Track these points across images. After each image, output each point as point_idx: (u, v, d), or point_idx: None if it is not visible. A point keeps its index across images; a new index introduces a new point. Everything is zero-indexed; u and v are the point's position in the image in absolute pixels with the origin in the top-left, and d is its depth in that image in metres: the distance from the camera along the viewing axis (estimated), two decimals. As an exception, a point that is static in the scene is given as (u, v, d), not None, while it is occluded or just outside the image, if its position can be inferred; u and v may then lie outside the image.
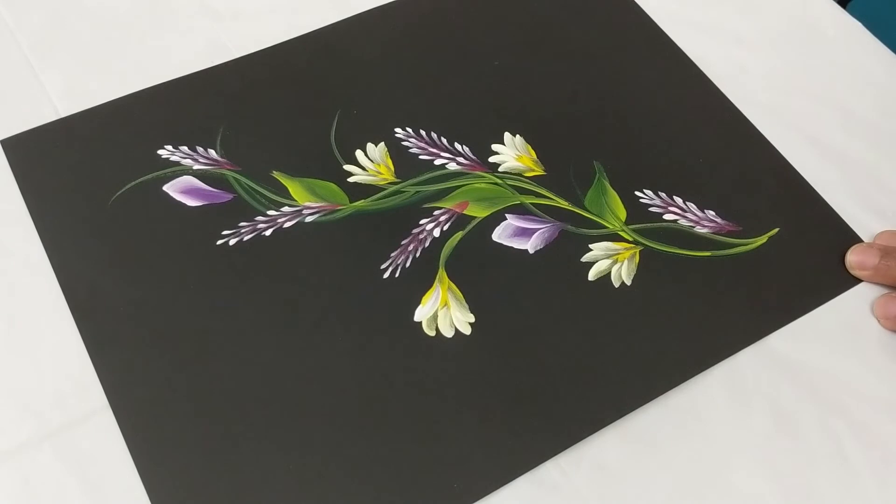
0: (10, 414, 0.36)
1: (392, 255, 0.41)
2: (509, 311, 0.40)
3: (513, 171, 0.44)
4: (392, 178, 0.44)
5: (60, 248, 0.40)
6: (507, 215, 0.43)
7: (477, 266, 0.41)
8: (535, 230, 0.42)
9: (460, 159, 0.45)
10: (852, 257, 0.42)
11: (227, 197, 0.42)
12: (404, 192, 0.43)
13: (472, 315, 0.40)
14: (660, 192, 0.44)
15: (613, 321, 0.40)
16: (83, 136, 0.44)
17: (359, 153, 0.44)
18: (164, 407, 0.36)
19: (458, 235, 0.42)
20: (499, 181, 0.44)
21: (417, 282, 0.40)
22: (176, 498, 0.34)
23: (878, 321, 0.41)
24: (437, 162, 0.44)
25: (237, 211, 0.42)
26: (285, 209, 0.42)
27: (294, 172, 0.43)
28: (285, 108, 0.46)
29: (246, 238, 0.41)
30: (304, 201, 0.42)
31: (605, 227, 0.43)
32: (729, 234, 0.43)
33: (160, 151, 0.43)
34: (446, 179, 0.44)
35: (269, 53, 0.48)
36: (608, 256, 0.42)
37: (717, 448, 0.37)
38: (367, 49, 0.48)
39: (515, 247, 0.42)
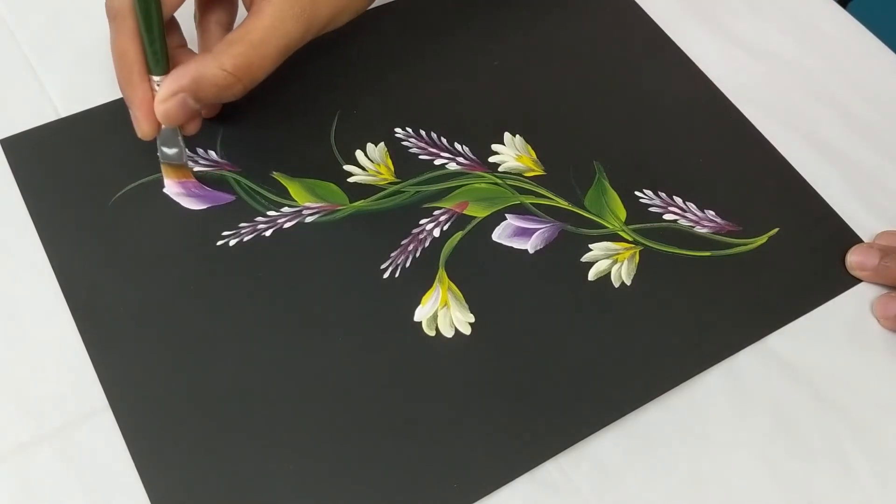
0: (10, 414, 0.36)
1: (392, 255, 0.41)
2: (509, 311, 0.40)
3: (513, 171, 0.44)
4: (392, 178, 0.44)
5: (60, 248, 0.40)
6: (506, 215, 0.43)
7: (477, 266, 0.41)
8: (534, 230, 0.42)
9: (460, 159, 0.45)
10: (852, 258, 0.42)
11: (228, 198, 0.42)
12: (404, 192, 0.43)
13: (471, 315, 0.40)
14: (660, 192, 0.44)
15: (613, 321, 0.40)
16: (83, 136, 0.44)
17: (359, 153, 0.44)
18: (164, 407, 0.36)
19: (458, 235, 0.42)
20: (499, 181, 0.44)
21: (417, 282, 0.40)
22: (176, 498, 0.34)
23: (878, 321, 0.41)
24: (437, 162, 0.44)
25: (237, 212, 0.42)
26: (285, 210, 0.42)
27: (294, 173, 0.43)
28: (285, 108, 0.46)
29: (246, 239, 0.41)
30: (304, 202, 0.42)
31: (604, 227, 0.43)
32: (729, 234, 0.43)
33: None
34: (446, 179, 0.44)
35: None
36: (608, 256, 0.42)
37: (717, 448, 0.37)
38: (367, 49, 0.48)
39: (515, 247, 0.42)
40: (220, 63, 0.38)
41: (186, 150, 0.42)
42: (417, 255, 0.41)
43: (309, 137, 0.45)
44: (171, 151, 0.41)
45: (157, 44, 0.38)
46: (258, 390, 0.37)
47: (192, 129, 0.41)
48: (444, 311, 0.40)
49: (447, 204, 0.43)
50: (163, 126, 0.40)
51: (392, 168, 0.44)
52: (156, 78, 0.39)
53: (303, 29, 0.40)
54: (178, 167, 0.42)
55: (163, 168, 0.42)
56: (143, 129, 0.40)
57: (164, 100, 0.38)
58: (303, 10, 0.39)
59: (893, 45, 0.52)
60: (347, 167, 0.44)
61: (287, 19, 0.39)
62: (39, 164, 0.43)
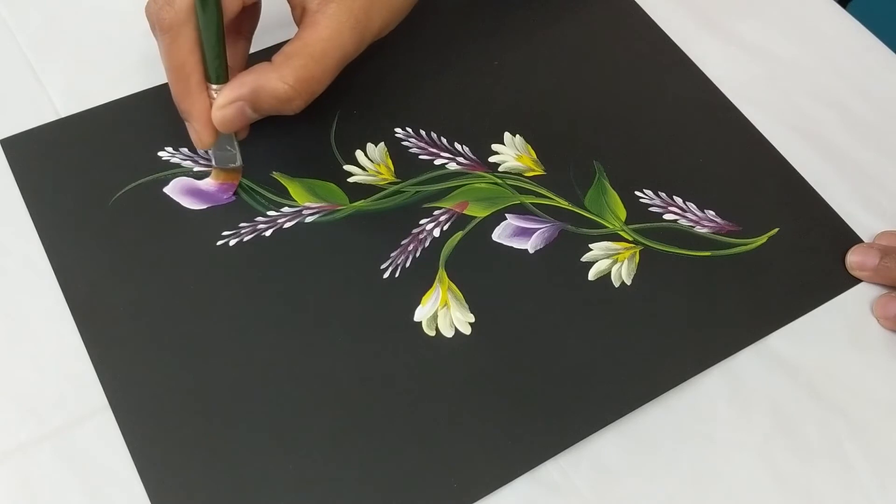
0: (10, 414, 0.36)
1: (392, 255, 0.41)
2: (509, 311, 0.40)
3: (513, 171, 0.44)
4: (392, 178, 0.44)
5: (60, 248, 0.40)
6: (507, 215, 0.43)
7: (477, 266, 0.41)
8: (535, 230, 0.42)
9: (460, 159, 0.45)
10: (852, 258, 0.42)
11: (228, 198, 0.42)
12: (404, 192, 0.43)
13: (472, 315, 0.40)
14: (660, 192, 0.44)
15: (613, 321, 0.40)
16: (83, 136, 0.44)
17: (359, 153, 0.44)
18: (164, 407, 0.36)
19: (458, 235, 0.42)
20: (499, 181, 0.44)
21: (417, 282, 0.40)
22: (176, 498, 0.34)
23: (878, 321, 0.41)
24: (437, 162, 0.44)
25: (237, 212, 0.42)
26: (285, 209, 0.42)
27: (294, 173, 0.43)
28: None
29: (246, 239, 0.41)
30: (304, 201, 0.42)
31: (605, 227, 0.43)
32: (729, 234, 0.43)
33: (161, 153, 0.43)
34: (446, 179, 0.44)
35: (269, 53, 0.48)
36: (608, 256, 0.42)
37: (717, 448, 0.37)
38: (367, 49, 0.48)
39: (515, 247, 0.42)
40: (282, 76, 0.37)
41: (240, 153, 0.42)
42: (417, 255, 0.41)
43: (309, 137, 0.45)
44: (226, 156, 0.41)
45: (220, 53, 0.38)
46: (258, 390, 0.37)
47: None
48: (444, 311, 0.40)
49: (447, 204, 0.43)
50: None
51: (392, 168, 0.44)
52: (214, 87, 0.39)
53: (358, 41, 0.39)
54: (232, 170, 0.42)
55: (214, 171, 0.42)
56: (203, 140, 0.39)
57: (222, 106, 0.38)
58: (357, 22, 0.38)
59: (893, 45, 0.52)
60: (347, 167, 0.44)
61: (344, 31, 0.38)
62: (39, 164, 0.43)
